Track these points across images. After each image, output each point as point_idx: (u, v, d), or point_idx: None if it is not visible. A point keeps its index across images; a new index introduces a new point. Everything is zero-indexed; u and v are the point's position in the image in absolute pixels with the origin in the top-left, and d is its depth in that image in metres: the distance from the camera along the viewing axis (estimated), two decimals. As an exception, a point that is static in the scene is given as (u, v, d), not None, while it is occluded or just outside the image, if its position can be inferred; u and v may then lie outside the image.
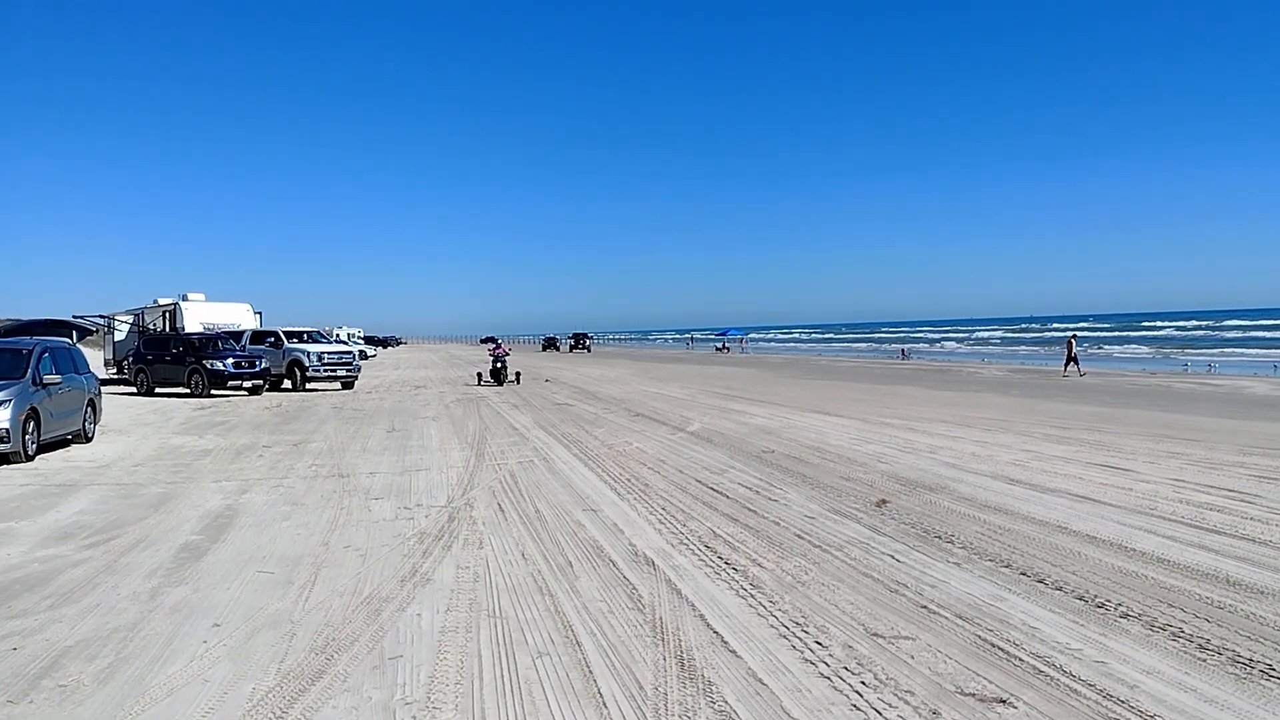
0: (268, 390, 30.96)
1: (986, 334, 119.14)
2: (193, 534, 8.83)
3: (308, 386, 32.31)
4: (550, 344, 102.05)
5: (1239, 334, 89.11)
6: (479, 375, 35.56)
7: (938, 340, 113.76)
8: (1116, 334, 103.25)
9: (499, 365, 32.67)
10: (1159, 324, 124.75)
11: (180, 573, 7.34)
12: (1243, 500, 9.69)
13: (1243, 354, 60.59)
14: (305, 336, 34.30)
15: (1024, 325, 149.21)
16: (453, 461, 13.62)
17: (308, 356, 31.87)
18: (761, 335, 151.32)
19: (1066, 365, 39.12)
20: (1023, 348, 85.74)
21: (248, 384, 29.24)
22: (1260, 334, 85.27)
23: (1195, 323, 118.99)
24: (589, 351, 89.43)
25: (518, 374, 35.04)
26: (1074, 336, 42.98)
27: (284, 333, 33.52)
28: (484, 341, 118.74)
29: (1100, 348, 76.61)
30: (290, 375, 32.18)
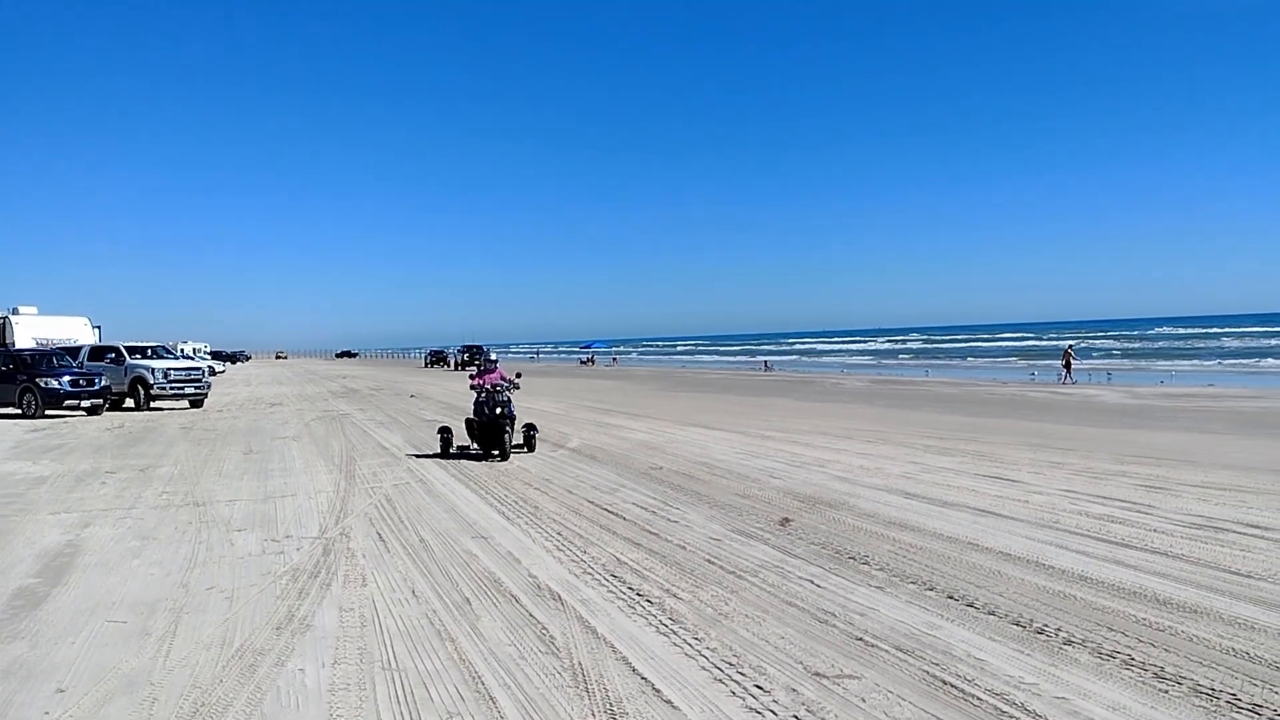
0: (108, 410, 28.81)
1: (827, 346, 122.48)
2: (28, 576, 7.74)
3: (152, 406, 30.25)
4: (438, 358, 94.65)
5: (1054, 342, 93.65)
6: (444, 435, 16.01)
7: (802, 351, 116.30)
8: (961, 344, 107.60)
9: (496, 411, 15.01)
10: (1013, 334, 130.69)
11: (14, 625, 6.33)
12: (1139, 511, 9.70)
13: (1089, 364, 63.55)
14: (149, 352, 32.21)
15: (872, 337, 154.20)
16: (321, 486, 12.66)
17: (152, 373, 29.81)
18: (616, 348, 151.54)
19: (1066, 374, 40.65)
20: (876, 359, 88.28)
21: (86, 403, 27.12)
22: (1099, 342, 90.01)
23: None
24: (449, 365, 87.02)
25: (530, 432, 16.17)
26: (1071, 347, 45.13)
27: (125, 348, 31.37)
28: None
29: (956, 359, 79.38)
30: (133, 394, 30.06)
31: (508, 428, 14.95)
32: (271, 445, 18.21)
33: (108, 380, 28.49)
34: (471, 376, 16.08)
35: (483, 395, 15.37)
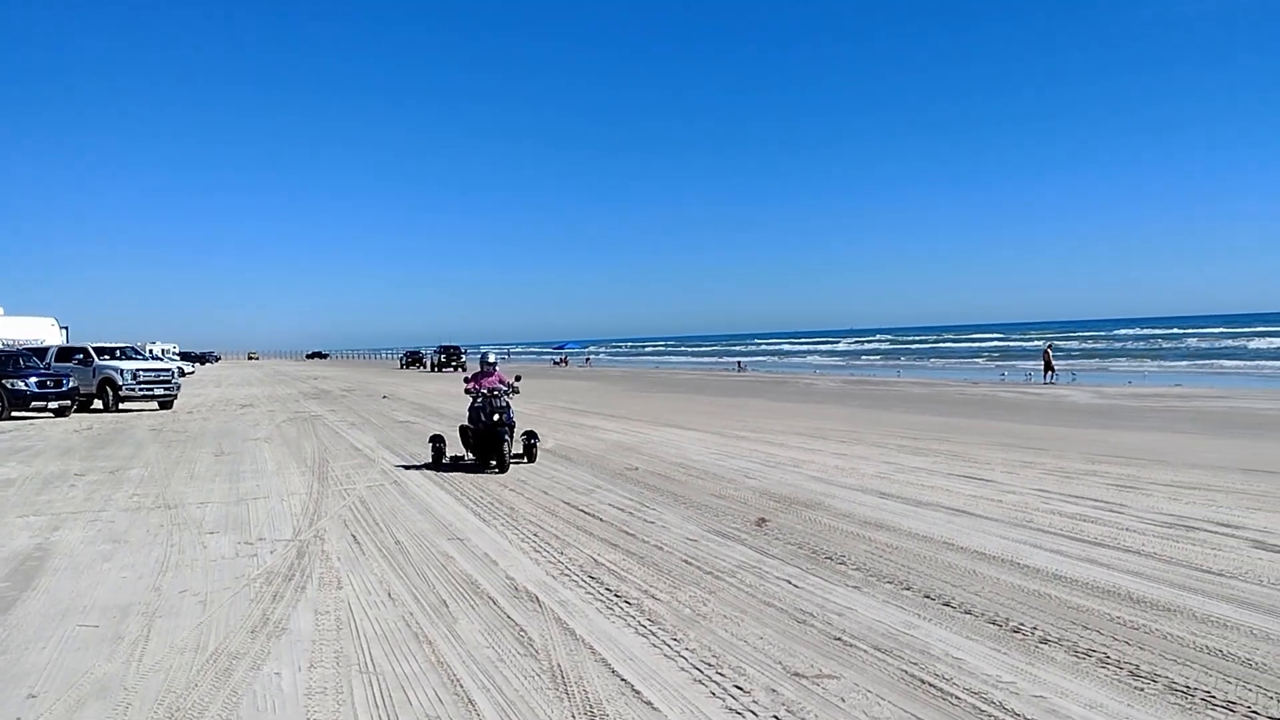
0: (76, 412, 28.46)
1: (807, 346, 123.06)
2: (-6, 582, 7.64)
3: (121, 407, 29.93)
4: (414, 359, 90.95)
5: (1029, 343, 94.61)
6: (436, 444, 14.97)
7: (778, 352, 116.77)
8: (939, 344, 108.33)
9: (494, 418, 13.85)
10: (987, 334, 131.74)
11: (-20, 631, 6.25)
12: (1111, 510, 9.79)
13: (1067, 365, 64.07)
14: (117, 353, 31.87)
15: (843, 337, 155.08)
16: (293, 488, 12.56)
17: (121, 374, 29.49)
18: (589, 348, 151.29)
19: (1046, 373, 40.90)
20: (846, 360, 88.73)
21: (54, 405, 26.83)
22: (1075, 344, 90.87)
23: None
24: (425, 366, 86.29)
25: (531, 441, 14.94)
26: (1050, 346, 45.37)
27: (93, 349, 31.00)
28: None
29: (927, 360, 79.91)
30: (101, 395, 29.73)
31: (507, 436, 13.75)
32: (243, 447, 18.05)
33: (75, 381, 28.17)
34: (466, 380, 14.78)
35: (479, 400, 14.07)
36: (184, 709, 4.75)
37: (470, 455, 14.37)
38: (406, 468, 14.40)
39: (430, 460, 14.76)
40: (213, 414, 27.95)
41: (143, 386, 29.90)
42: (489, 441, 13.81)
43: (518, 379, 15.30)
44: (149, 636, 6.02)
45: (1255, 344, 75.72)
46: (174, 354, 73.32)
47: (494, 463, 13.82)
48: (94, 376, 29.73)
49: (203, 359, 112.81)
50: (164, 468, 15.01)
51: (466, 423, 14.38)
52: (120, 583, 7.50)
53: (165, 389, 30.63)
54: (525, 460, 14.61)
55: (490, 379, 14.54)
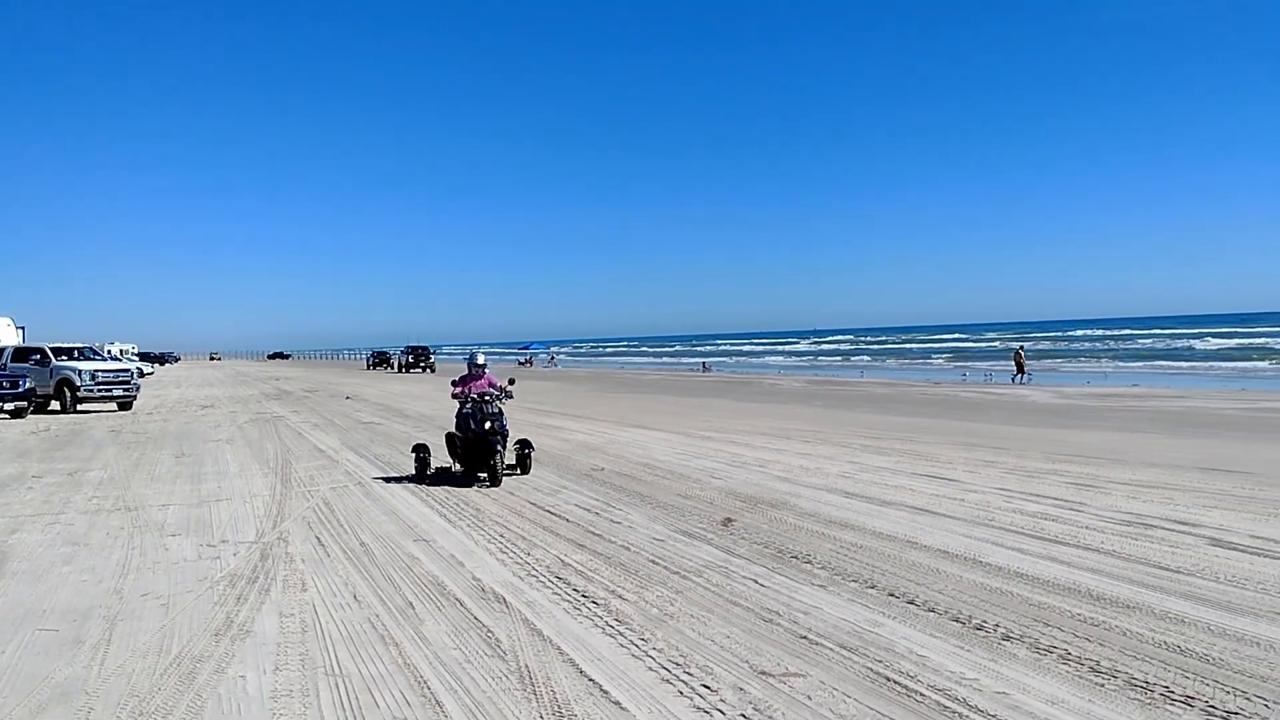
0: (33, 413, 27.96)
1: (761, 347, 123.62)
2: (-50, 586, 7.50)
3: (79, 408, 29.44)
4: (381, 360, 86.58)
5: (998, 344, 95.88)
6: (420, 454, 13.60)
7: (742, 352, 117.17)
8: (898, 345, 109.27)
9: (485, 425, 12.56)
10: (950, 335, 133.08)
11: (-64, 637, 6.14)
12: (1071, 509, 9.93)
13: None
14: (75, 353, 31.34)
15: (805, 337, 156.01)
16: (256, 489, 12.44)
17: (79, 375, 29.00)
18: (553, 348, 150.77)
19: (1018, 374, 41.28)
20: (810, 360, 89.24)
21: (10, 406, 26.30)
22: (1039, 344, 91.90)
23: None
24: (393, 367, 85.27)
25: (525, 451, 13.49)
26: (1021, 348, 45.94)
27: (51, 349, 30.47)
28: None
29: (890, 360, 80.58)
30: (59, 396, 29.20)
31: (499, 446, 12.44)
32: (204, 448, 17.85)
33: (32, 382, 27.61)
34: (454, 383, 13.47)
35: (468, 406, 12.78)
36: (147, 713, 4.70)
37: (458, 466, 13.06)
38: (370, 468, 14.31)
39: (414, 473, 13.33)
40: (173, 415, 27.62)
41: (101, 387, 29.46)
42: (480, 451, 12.52)
43: (511, 382, 13.79)
44: (111, 640, 5.94)
45: (1200, 345, 78.16)
46: (133, 354, 72.19)
47: (484, 475, 12.67)
48: (51, 377, 29.21)
49: (162, 359, 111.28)
50: (124, 469, 14.81)
51: (453, 430, 13.11)
52: (81, 586, 7.40)
53: (124, 390, 30.21)
54: (519, 472, 13.24)
55: (480, 382, 13.23)
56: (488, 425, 12.44)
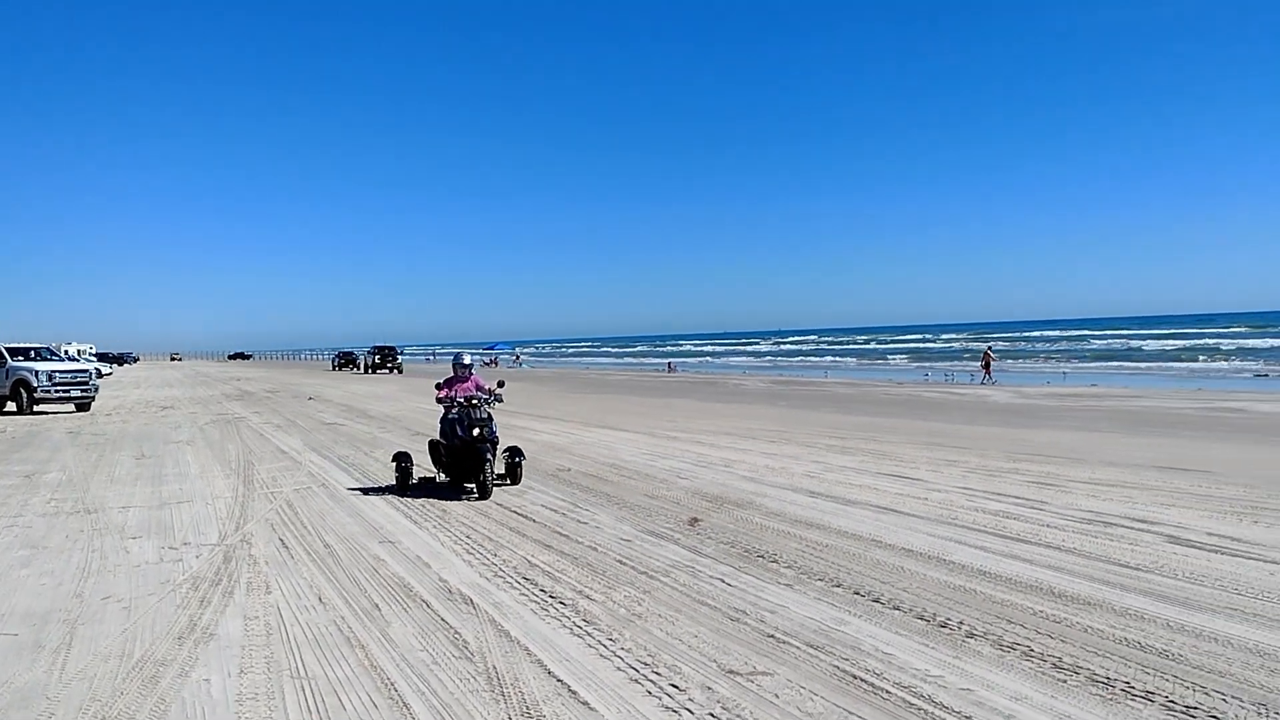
0: (-13, 414, 27.51)
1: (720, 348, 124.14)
2: (-97, 591, 7.35)
3: (36, 409, 28.98)
4: (347, 360, 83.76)
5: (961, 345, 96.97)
6: (401, 463, 12.41)
7: (706, 353, 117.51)
8: (865, 346, 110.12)
9: (473, 432, 11.44)
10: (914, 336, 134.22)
11: (-111, 642, 6.01)
12: (1032, 507, 10.06)
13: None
14: (32, 354, 30.85)
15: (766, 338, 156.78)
16: (218, 491, 12.30)
17: (36, 376, 28.51)
18: (518, 348, 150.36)
19: (985, 375, 41.74)
20: (773, 360, 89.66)
21: (-38, 407, 25.88)
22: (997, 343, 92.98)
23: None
24: (359, 368, 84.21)
25: (516, 459, 12.45)
26: (990, 348, 46.47)
27: (6, 349, 29.97)
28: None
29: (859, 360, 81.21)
30: (15, 397, 28.70)
31: (489, 454, 11.41)
32: (165, 450, 17.63)
33: (-13, 384, 27.19)
34: (438, 386, 12.39)
35: (454, 411, 11.75)
36: (110, 717, 4.64)
37: (443, 476, 12.23)
38: (334, 469, 14.20)
39: (395, 483, 12.30)
40: (132, 416, 27.25)
41: (58, 388, 28.99)
42: (467, 460, 11.48)
43: (500, 385, 12.65)
44: (71, 644, 5.86)
45: (1149, 345, 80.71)
46: (91, 354, 71.13)
47: (471, 486, 11.68)
48: (7, 378, 28.74)
49: (121, 360, 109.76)
50: (83, 471, 14.59)
51: (438, 437, 12.25)
52: (40, 589, 7.29)
53: (82, 390, 29.74)
54: (509, 482, 12.31)
55: (466, 385, 12.25)
56: (476, 432, 11.41)
